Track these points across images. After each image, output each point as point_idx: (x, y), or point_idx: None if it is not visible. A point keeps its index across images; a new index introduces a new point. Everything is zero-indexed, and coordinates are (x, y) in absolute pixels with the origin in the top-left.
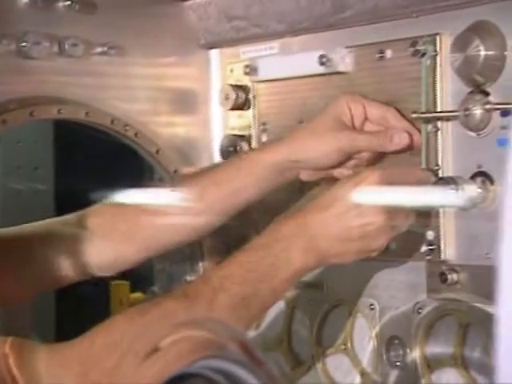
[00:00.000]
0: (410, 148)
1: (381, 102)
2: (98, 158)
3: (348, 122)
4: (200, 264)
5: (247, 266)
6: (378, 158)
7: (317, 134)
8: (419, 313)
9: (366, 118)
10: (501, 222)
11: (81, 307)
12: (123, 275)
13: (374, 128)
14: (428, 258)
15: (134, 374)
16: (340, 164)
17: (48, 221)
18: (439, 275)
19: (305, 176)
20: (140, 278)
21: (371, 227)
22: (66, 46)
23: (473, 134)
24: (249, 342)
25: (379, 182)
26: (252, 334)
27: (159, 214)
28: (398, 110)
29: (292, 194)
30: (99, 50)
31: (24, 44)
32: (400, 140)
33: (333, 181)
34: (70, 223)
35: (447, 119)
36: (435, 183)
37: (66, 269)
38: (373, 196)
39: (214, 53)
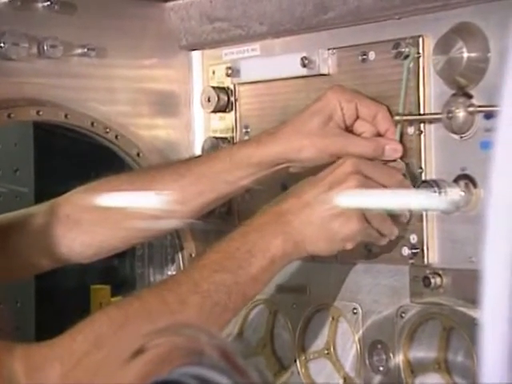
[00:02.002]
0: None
1: (372, 100)
2: (79, 161)
3: (340, 121)
4: (181, 268)
5: (225, 254)
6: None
7: (310, 134)
8: (402, 317)
9: (357, 117)
10: (484, 225)
11: (61, 311)
12: (104, 279)
13: (364, 126)
14: (411, 261)
15: (115, 375)
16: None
17: (20, 211)
18: (422, 279)
19: (293, 168)
20: (121, 282)
21: (344, 210)
22: (46, 47)
23: (456, 136)
24: (230, 349)
25: (352, 168)
26: (235, 338)
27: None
28: (389, 110)
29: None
30: (79, 51)
31: (2, 45)
32: (391, 152)
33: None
34: (42, 212)
35: (430, 122)
36: (418, 186)
37: (39, 256)
38: (353, 196)
39: (196, 54)
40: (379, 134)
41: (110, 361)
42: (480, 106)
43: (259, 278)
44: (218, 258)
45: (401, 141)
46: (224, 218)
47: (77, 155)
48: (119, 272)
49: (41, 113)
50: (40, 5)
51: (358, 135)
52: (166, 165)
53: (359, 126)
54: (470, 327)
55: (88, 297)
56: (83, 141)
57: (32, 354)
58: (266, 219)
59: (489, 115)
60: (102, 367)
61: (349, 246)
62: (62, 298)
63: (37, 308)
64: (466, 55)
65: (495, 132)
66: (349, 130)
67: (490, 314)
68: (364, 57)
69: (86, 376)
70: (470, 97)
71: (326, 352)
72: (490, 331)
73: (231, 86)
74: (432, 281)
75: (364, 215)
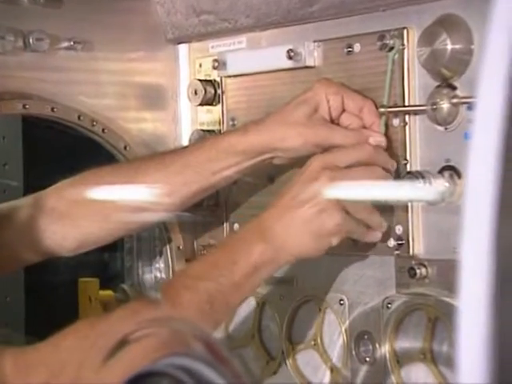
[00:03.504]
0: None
1: (359, 93)
2: (67, 154)
3: (326, 114)
4: (170, 261)
5: (208, 263)
6: None
7: (295, 124)
8: (388, 308)
9: (343, 110)
10: (462, 215)
11: (51, 305)
12: (92, 272)
13: (350, 119)
14: (397, 252)
15: (98, 371)
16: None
17: (5, 203)
18: (408, 270)
19: (278, 160)
20: (109, 275)
21: (321, 206)
22: (31, 41)
23: (440, 128)
24: (214, 340)
25: (321, 164)
26: (222, 329)
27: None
28: (375, 102)
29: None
30: (65, 44)
31: None
32: (375, 144)
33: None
34: (26, 205)
35: (415, 113)
36: (403, 177)
37: (24, 249)
38: (337, 190)
39: (183, 47)
40: (365, 128)
41: (94, 359)
42: (464, 98)
43: (242, 286)
44: (201, 267)
45: (386, 133)
46: (212, 210)
47: (65, 148)
48: (108, 265)
49: (27, 106)
50: None
51: (344, 128)
52: (151, 156)
53: (345, 119)
54: (455, 317)
55: (77, 290)
56: (71, 134)
57: (19, 358)
58: (247, 228)
59: (473, 106)
60: (87, 367)
61: (334, 240)
62: (52, 292)
63: (26, 302)
64: (449, 47)
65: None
66: (335, 122)
67: (466, 304)
68: (349, 49)
69: (72, 378)
70: (454, 88)
71: (313, 343)
72: (467, 320)
73: (218, 79)
74: (417, 271)
75: (345, 207)
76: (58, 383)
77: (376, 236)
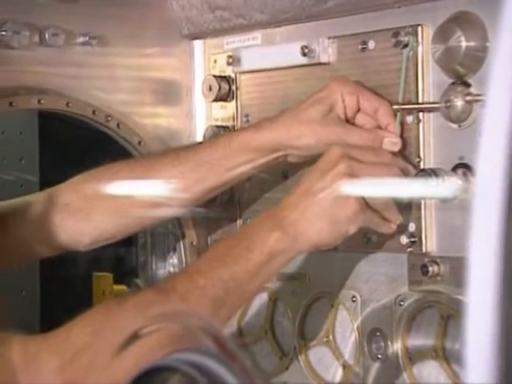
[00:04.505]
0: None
1: (375, 93)
2: (82, 149)
3: (341, 113)
4: (183, 257)
5: (224, 251)
6: None
7: (310, 122)
8: (401, 305)
9: (358, 110)
10: (471, 213)
11: (66, 299)
12: (107, 267)
13: (365, 119)
14: (409, 250)
15: (109, 365)
16: None
17: (20, 198)
18: (420, 267)
19: (292, 158)
20: (123, 270)
21: (339, 193)
22: (47, 36)
23: (454, 125)
24: (223, 336)
25: (340, 152)
26: (235, 325)
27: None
28: (389, 100)
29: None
30: (81, 39)
31: (3, 33)
32: (389, 145)
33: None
34: (41, 200)
35: (429, 111)
36: (416, 175)
37: (38, 244)
38: (352, 185)
39: (198, 43)
40: (380, 128)
41: (106, 351)
42: (478, 95)
43: (257, 274)
44: (216, 254)
45: (401, 131)
46: (225, 206)
47: (80, 143)
48: (122, 260)
49: (42, 101)
50: None
51: (359, 127)
52: (165, 152)
53: (360, 119)
54: (465, 315)
55: (91, 284)
56: (86, 129)
57: (29, 345)
58: (263, 217)
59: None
60: (98, 358)
61: (352, 228)
62: (66, 286)
63: (41, 296)
64: (464, 44)
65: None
66: (350, 121)
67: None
68: (364, 46)
69: (82, 368)
70: (468, 86)
71: (325, 340)
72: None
73: (232, 75)
74: (430, 269)
75: (363, 198)
76: (69, 370)
77: (391, 227)
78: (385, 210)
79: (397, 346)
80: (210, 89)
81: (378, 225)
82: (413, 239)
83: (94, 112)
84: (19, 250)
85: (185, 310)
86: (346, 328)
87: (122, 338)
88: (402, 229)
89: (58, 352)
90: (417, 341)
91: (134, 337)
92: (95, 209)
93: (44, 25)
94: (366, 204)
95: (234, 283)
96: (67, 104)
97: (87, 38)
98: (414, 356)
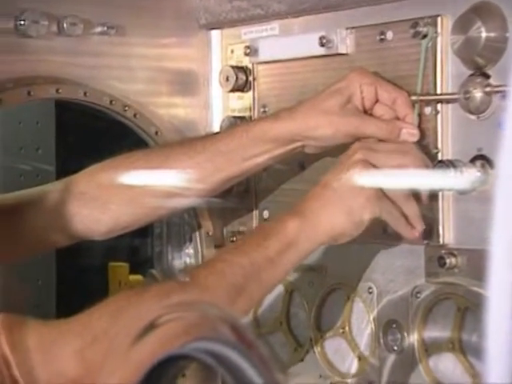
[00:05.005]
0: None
1: (393, 84)
2: (99, 139)
3: (359, 104)
4: (199, 247)
5: (244, 240)
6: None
7: (328, 113)
8: (417, 297)
9: (377, 101)
10: (494, 206)
11: (81, 289)
12: (122, 257)
13: (383, 110)
14: (426, 241)
15: (127, 351)
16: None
17: (37, 188)
18: (437, 259)
19: (309, 149)
20: (139, 260)
21: (354, 187)
22: (65, 25)
23: (473, 116)
24: (242, 326)
25: (361, 147)
26: (251, 315)
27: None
28: (408, 91)
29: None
30: (99, 29)
31: (22, 22)
32: (407, 136)
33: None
34: (58, 189)
35: (447, 102)
36: (434, 166)
37: (55, 233)
38: (370, 177)
39: (215, 33)
40: (398, 119)
41: (124, 337)
42: (497, 86)
43: (276, 262)
44: (238, 244)
45: (419, 122)
46: (241, 196)
47: (97, 133)
48: (138, 250)
49: (60, 90)
50: None
51: (377, 118)
52: (182, 142)
53: (379, 109)
54: (485, 307)
55: (107, 274)
56: (104, 119)
57: (48, 328)
58: (286, 211)
59: (507, 95)
60: (117, 344)
61: (366, 215)
62: (82, 276)
63: (57, 285)
64: (484, 35)
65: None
66: (368, 112)
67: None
68: (382, 36)
69: (101, 352)
70: (487, 77)
71: (341, 331)
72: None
73: (250, 66)
74: (447, 261)
75: (380, 189)
76: (88, 353)
77: (413, 234)
78: (403, 203)
79: (413, 338)
80: (227, 79)
81: (399, 225)
82: (430, 230)
83: (111, 102)
84: (36, 239)
85: (203, 299)
86: (362, 319)
87: (140, 326)
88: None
89: (78, 335)
90: (433, 333)
91: (152, 325)
92: (111, 198)
93: (62, 14)
94: (382, 192)
95: (252, 270)
96: (85, 94)
97: (105, 28)
98: (430, 348)
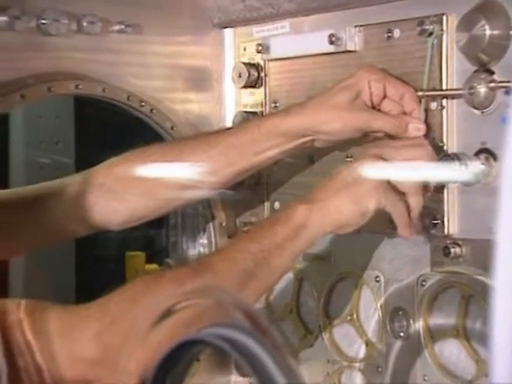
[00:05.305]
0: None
1: (400, 80)
2: (116, 133)
3: (367, 99)
4: (212, 237)
5: (254, 228)
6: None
7: (337, 108)
8: (423, 285)
9: (384, 96)
10: (500, 198)
11: (99, 277)
12: (139, 247)
13: (391, 105)
14: (432, 232)
15: (145, 335)
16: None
17: (58, 180)
18: (442, 249)
19: (319, 143)
20: (155, 249)
21: (360, 171)
22: (84, 24)
23: (477, 111)
24: (255, 312)
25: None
26: (262, 303)
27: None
28: (416, 91)
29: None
30: (116, 27)
31: (43, 21)
32: (414, 130)
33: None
34: (77, 181)
35: (452, 97)
36: (440, 159)
37: (74, 223)
38: (378, 169)
39: (228, 32)
40: (405, 114)
41: (142, 322)
42: (501, 82)
43: (284, 247)
44: (247, 231)
45: (425, 117)
46: (253, 188)
47: (114, 128)
48: (154, 240)
49: (80, 87)
50: None
51: (385, 113)
52: (196, 136)
53: (386, 105)
54: (488, 295)
55: (124, 263)
56: (121, 114)
57: (68, 313)
58: (295, 200)
59: (509, 91)
60: (135, 327)
61: (371, 204)
62: (101, 265)
63: (77, 274)
64: (488, 32)
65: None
66: (376, 108)
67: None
68: (389, 34)
69: (119, 335)
70: (491, 73)
71: (349, 318)
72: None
73: (261, 63)
74: (452, 250)
75: (387, 181)
76: (107, 336)
77: (405, 232)
78: (410, 196)
79: (419, 325)
80: (240, 76)
81: (400, 220)
82: (435, 221)
83: (128, 97)
84: (56, 229)
85: (218, 286)
86: (369, 307)
87: (157, 311)
88: (425, 211)
89: (97, 319)
90: (438, 320)
91: (169, 312)
92: (128, 190)
93: (81, 13)
94: (388, 185)
95: (262, 255)
96: (103, 90)
97: (123, 26)
98: (436, 334)
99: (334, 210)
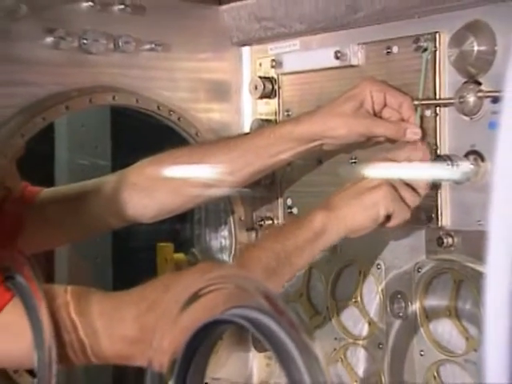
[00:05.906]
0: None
1: (399, 90)
2: (147, 138)
3: (370, 108)
4: (232, 230)
5: (277, 230)
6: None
7: (343, 116)
8: (419, 271)
9: (385, 105)
10: (491, 196)
11: (134, 265)
12: (168, 238)
13: (391, 113)
14: (427, 224)
15: (176, 317)
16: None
17: (96, 179)
18: (436, 239)
19: (327, 147)
20: (182, 241)
21: (373, 182)
22: (120, 43)
23: (467, 118)
24: (273, 294)
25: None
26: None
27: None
28: (412, 100)
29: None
30: (148, 46)
31: (85, 41)
32: (411, 135)
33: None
34: (113, 180)
35: (445, 105)
36: (434, 160)
37: (110, 217)
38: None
39: (245, 49)
40: (403, 121)
41: (173, 306)
42: (488, 92)
43: (304, 248)
44: (273, 233)
45: (421, 123)
46: (268, 187)
47: (146, 134)
48: (181, 232)
49: (116, 98)
50: (116, 8)
51: (385, 120)
52: (218, 141)
53: (386, 112)
54: (477, 280)
55: (155, 252)
56: (152, 121)
57: (109, 298)
58: (315, 207)
59: (495, 100)
60: (167, 311)
61: (382, 211)
62: (135, 254)
63: (113, 263)
64: (476, 48)
65: (501, 114)
66: (377, 115)
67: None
68: (388, 50)
69: (154, 318)
70: (479, 84)
71: (353, 301)
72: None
73: (275, 76)
74: (445, 241)
75: (392, 184)
76: (144, 319)
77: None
78: (408, 195)
79: (415, 306)
80: (256, 88)
81: (400, 209)
82: (430, 215)
83: (158, 107)
84: (95, 222)
85: (241, 272)
86: (371, 291)
87: (186, 296)
88: (421, 206)
89: (135, 304)
90: (433, 302)
91: (196, 295)
92: (157, 188)
93: (118, 34)
94: (395, 192)
95: (284, 255)
96: (136, 100)
97: (153, 45)
98: (431, 315)
99: (349, 217)
